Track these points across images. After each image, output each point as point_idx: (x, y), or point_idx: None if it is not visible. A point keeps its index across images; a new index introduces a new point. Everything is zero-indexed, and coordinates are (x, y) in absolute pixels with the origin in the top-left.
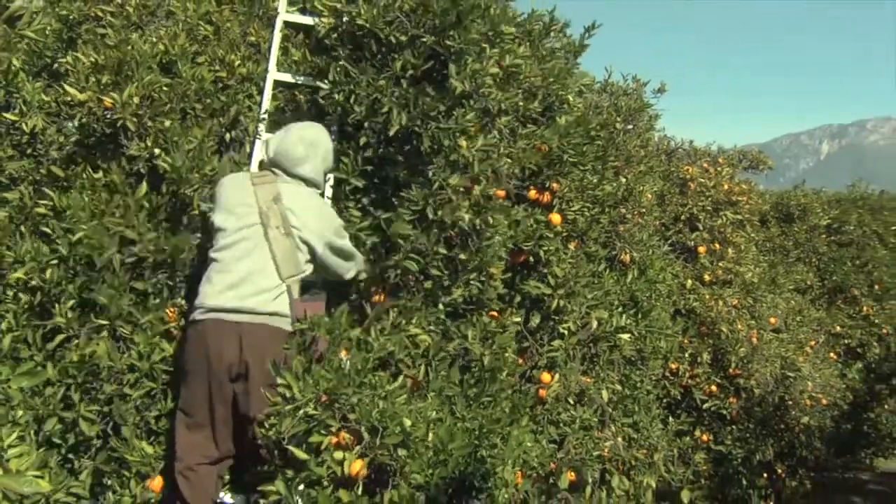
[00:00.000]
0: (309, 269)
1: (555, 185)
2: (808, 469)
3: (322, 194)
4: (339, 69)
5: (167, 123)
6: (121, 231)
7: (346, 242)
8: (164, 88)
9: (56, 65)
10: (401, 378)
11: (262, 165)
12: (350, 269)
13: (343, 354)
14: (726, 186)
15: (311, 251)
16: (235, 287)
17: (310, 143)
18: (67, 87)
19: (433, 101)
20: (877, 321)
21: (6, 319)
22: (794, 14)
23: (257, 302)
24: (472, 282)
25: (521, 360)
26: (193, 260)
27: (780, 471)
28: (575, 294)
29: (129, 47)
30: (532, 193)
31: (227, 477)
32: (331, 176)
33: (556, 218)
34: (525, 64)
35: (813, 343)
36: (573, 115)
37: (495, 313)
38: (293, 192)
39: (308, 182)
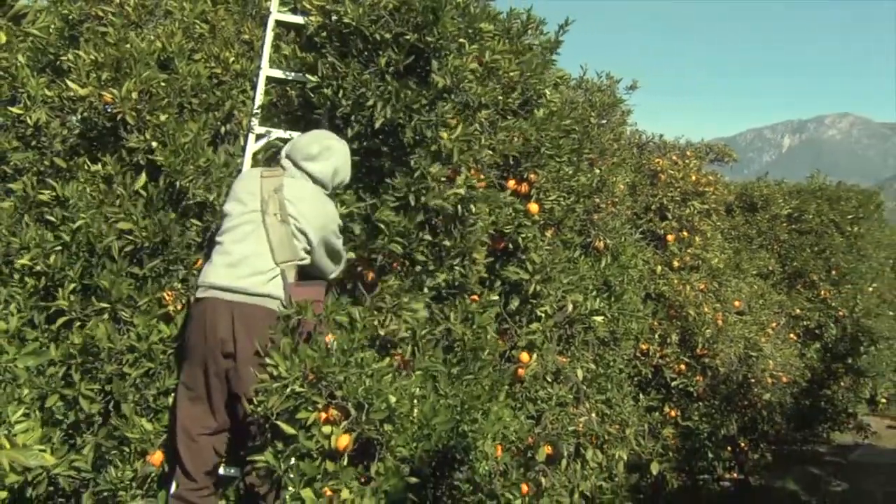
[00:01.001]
0: (307, 257)
1: (533, 176)
2: (769, 442)
3: (329, 196)
4: (326, 65)
5: (164, 117)
6: (119, 219)
7: (339, 244)
8: (162, 84)
9: (59, 61)
10: (388, 358)
11: (266, 161)
12: (335, 271)
13: (329, 337)
14: (694, 178)
15: (308, 241)
16: (233, 267)
17: (326, 147)
18: (70, 83)
19: (416, 95)
20: (833, 304)
21: (13, 302)
22: (756, 16)
23: (251, 283)
24: (455, 267)
25: (500, 341)
26: (190, 246)
27: (743, 444)
28: (552, 279)
29: (128, 45)
30: (511, 183)
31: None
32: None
33: (533, 207)
34: (504, 59)
35: (774, 325)
36: (550, 108)
37: (476, 297)
38: (296, 185)
39: (315, 180)
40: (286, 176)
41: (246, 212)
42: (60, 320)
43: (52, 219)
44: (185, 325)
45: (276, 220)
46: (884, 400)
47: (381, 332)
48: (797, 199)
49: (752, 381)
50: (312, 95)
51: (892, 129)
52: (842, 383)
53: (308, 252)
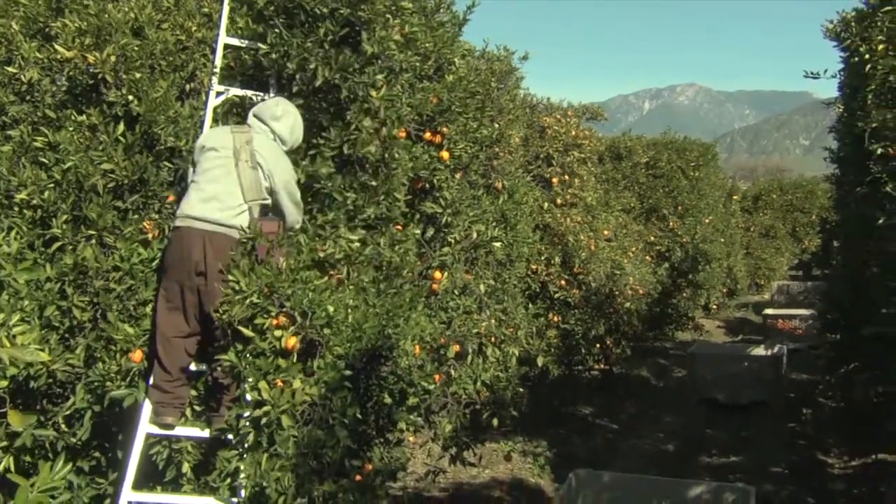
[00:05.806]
0: (269, 198)
1: (445, 129)
2: (629, 340)
3: (285, 153)
4: (274, 35)
5: (138, 76)
6: (103, 161)
7: (297, 193)
8: (136, 48)
9: (48, 29)
10: (327, 277)
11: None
12: (297, 218)
13: (280, 258)
14: (574, 133)
15: (273, 184)
16: (206, 202)
17: (285, 111)
18: (57, 47)
19: (349, 60)
20: (679, 233)
21: (15, 229)
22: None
23: (222, 216)
24: (382, 202)
25: (418, 262)
26: (163, 184)
27: (608, 342)
28: (460, 212)
29: (107, 15)
30: (427, 135)
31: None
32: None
33: (445, 154)
34: (421, 32)
35: (634, 249)
36: (458, 74)
37: (400, 227)
38: (262, 139)
39: (276, 136)
40: (253, 132)
41: (219, 157)
42: (55, 245)
43: (45, 161)
44: (166, 248)
45: (247, 165)
46: (715, 306)
47: (321, 255)
48: (653, 150)
49: (617, 293)
50: (263, 60)
51: (727, 96)
52: (684, 294)
53: (271, 194)
